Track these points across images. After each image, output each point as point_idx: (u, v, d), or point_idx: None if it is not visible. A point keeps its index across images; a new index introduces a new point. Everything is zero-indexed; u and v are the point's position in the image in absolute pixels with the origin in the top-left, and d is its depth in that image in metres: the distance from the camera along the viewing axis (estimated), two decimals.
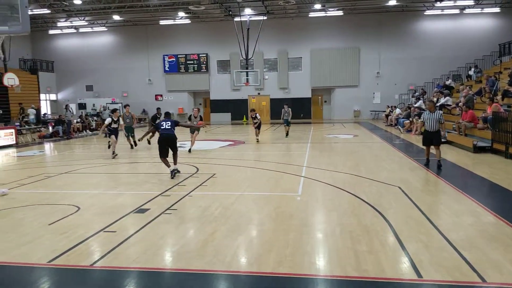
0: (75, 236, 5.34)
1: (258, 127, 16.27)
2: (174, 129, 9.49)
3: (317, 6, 26.71)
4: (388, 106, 26.47)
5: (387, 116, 25.04)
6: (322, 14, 28.70)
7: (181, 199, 7.28)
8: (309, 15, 29.12)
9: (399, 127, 20.18)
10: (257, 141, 16.21)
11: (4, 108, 24.99)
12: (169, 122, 9.50)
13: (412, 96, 26.66)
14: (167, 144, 9.34)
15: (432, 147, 10.00)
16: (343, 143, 16.00)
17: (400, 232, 5.27)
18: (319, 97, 32.41)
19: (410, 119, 19.17)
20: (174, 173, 9.20)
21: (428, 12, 28.62)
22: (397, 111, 23.27)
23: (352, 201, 6.91)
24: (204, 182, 8.75)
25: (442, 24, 29.20)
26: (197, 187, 8.26)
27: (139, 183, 8.93)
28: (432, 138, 9.82)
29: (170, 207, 6.70)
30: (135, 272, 4.28)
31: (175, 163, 9.42)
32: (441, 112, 9.97)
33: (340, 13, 28.63)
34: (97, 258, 4.65)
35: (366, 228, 5.47)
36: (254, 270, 4.26)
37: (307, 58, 30.95)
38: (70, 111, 21.84)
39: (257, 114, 16.18)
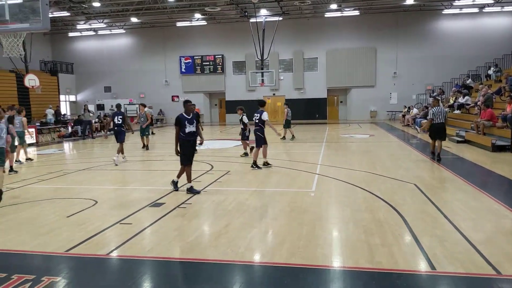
0: (92, 228, 5.47)
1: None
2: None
3: (333, 6, 26.62)
4: (405, 106, 26.16)
5: (404, 116, 24.75)
6: (338, 14, 28.59)
7: (196, 194, 7.35)
8: (325, 15, 29.04)
9: (416, 127, 19.92)
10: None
11: (27, 109, 25.61)
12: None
13: (430, 96, 26.26)
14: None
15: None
16: (359, 143, 15.89)
17: (414, 226, 5.22)
18: (335, 97, 32.24)
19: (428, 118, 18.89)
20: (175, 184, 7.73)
21: (446, 11, 28.20)
22: (414, 111, 22.98)
23: (367, 197, 6.88)
24: (219, 178, 8.82)
25: (461, 23, 28.73)
26: (212, 183, 8.34)
27: (155, 179, 9.06)
28: (439, 131, 10.34)
29: (184, 202, 6.79)
30: (149, 261, 4.37)
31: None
32: (446, 109, 10.25)
33: (356, 12, 28.46)
34: (113, 247, 4.75)
35: (379, 222, 5.44)
36: (267, 260, 4.29)
37: (323, 58, 30.84)
38: (89, 112, 22.20)
39: (244, 116, 12.11)
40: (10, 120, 10.43)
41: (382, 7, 28.03)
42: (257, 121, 10.06)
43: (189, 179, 7.49)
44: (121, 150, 11.58)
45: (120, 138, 11.52)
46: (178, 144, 7.36)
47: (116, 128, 11.61)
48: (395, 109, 29.75)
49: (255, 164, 9.87)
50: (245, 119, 11.88)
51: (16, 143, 11.17)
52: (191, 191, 7.39)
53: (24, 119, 11.96)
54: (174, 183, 7.68)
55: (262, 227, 5.47)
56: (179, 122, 7.32)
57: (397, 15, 29.19)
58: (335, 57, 30.49)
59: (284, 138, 16.53)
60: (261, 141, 10.02)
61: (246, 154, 12.11)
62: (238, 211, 6.15)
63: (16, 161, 11.25)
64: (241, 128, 12.09)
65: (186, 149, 7.37)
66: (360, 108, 30.75)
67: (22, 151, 12.17)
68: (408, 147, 13.94)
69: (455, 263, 4.04)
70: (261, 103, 10.55)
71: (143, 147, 14.80)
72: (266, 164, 10.07)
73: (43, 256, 4.56)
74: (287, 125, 16.90)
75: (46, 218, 6.05)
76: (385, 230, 5.11)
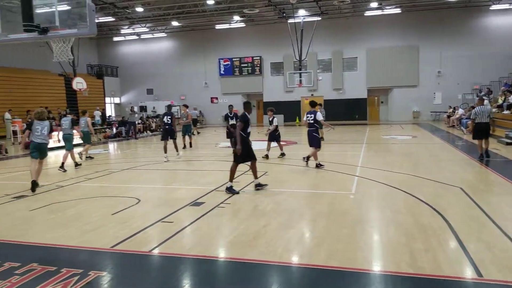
0: (135, 225, 5.66)
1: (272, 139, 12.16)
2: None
3: (374, 4, 26.07)
4: (450, 107, 25.14)
5: (449, 117, 23.79)
6: (378, 12, 27.95)
7: (235, 194, 7.43)
8: (365, 14, 28.46)
9: (462, 128, 19.10)
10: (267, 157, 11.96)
11: (74, 111, 26.91)
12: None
13: (477, 96, 25.09)
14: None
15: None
16: (401, 144, 15.45)
17: (460, 231, 5.01)
18: (376, 97, 31.52)
19: (471, 117, 18.07)
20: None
21: (494, 7, 26.79)
22: (460, 111, 22.01)
23: (409, 200, 6.68)
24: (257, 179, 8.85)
25: (510, 19, 27.24)
26: (250, 183, 8.39)
27: (195, 179, 9.25)
28: (483, 131, 10.12)
29: (223, 201, 6.89)
30: (190, 259, 4.46)
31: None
32: (491, 108, 9.87)
33: (398, 10, 27.69)
34: (155, 245, 4.90)
35: (422, 226, 5.27)
36: (305, 262, 4.27)
37: (363, 58, 30.25)
38: (135, 113, 22.88)
39: (275, 119, 12.03)
40: (74, 122, 11.84)
41: (425, 4, 27.12)
42: (312, 121, 10.21)
43: (231, 179, 7.58)
44: (175, 147, 12.77)
45: (172, 136, 12.56)
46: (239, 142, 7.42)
47: (166, 127, 12.58)
48: (439, 109, 28.66)
49: (317, 165, 10.00)
50: (276, 121, 11.88)
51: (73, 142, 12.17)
52: (231, 190, 7.47)
53: (89, 119, 13.06)
54: (256, 185, 7.67)
55: (300, 228, 5.44)
56: (246, 122, 7.52)
57: (441, 12, 28.12)
58: (376, 56, 29.81)
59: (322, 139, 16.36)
60: (318, 142, 10.26)
61: (283, 155, 12.09)
62: (276, 212, 6.16)
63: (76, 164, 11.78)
64: (268, 129, 12.08)
65: (245, 148, 7.51)
66: (402, 108, 29.88)
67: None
68: (454, 149, 13.39)
69: (504, 271, 3.84)
70: (313, 103, 10.62)
71: (184, 147, 15.19)
72: (316, 164, 10.22)
73: (90, 252, 4.77)
74: (319, 125, 16.57)
75: (93, 215, 6.33)
76: (429, 235, 4.94)
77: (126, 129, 22.41)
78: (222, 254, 4.65)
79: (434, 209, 6.04)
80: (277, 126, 11.98)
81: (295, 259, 4.40)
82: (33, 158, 8.45)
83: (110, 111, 34.53)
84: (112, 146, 18.48)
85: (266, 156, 11.77)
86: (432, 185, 7.79)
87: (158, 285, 3.88)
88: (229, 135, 12.68)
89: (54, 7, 6.06)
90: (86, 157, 13.17)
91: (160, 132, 14.03)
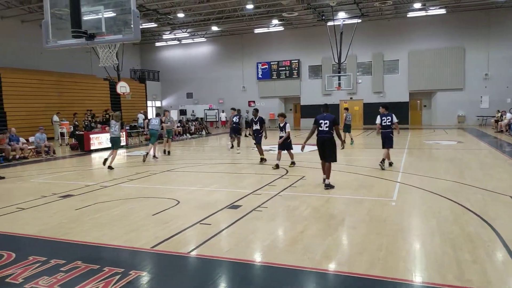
0: (174, 227, 5.75)
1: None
2: (332, 129, 8.23)
3: (417, 5, 25.27)
4: (498, 111, 23.87)
5: (497, 121, 22.61)
6: (422, 13, 27.07)
7: (271, 198, 7.41)
8: (407, 15, 27.66)
9: (511, 133, 18.09)
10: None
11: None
12: (327, 121, 8.29)
13: None
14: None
15: None
16: (445, 150, 14.84)
17: (510, 242, 4.72)
18: (418, 101, 30.51)
19: None
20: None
21: None
22: (508, 116, 20.87)
23: (454, 209, 6.38)
24: (294, 183, 8.79)
25: None
26: (287, 187, 8.34)
27: (232, 182, 9.31)
28: None
29: (260, 205, 6.87)
30: (227, 262, 4.47)
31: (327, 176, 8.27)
32: None
33: (443, 11, 26.70)
34: (194, 247, 4.95)
35: (469, 237, 5.01)
36: (345, 270, 4.16)
37: (405, 60, 29.39)
38: (171, 118, 23.29)
39: (287, 125, 11.06)
40: (161, 121, 14.76)
41: (472, 4, 25.97)
42: (389, 123, 10.66)
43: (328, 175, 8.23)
44: (238, 143, 15.38)
45: (238, 133, 15.54)
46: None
47: (234, 125, 15.59)
48: (486, 113, 27.31)
49: (390, 164, 10.67)
50: (288, 128, 10.93)
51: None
52: (329, 186, 8.12)
53: (163, 119, 15.22)
54: (327, 185, 8.18)
55: (339, 235, 5.33)
56: (317, 121, 8.40)
57: (489, 12, 26.85)
58: (418, 58, 28.88)
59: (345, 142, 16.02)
60: (392, 142, 10.71)
61: (293, 164, 11.07)
62: (314, 218, 6.06)
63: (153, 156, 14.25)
64: (280, 136, 10.96)
65: (328, 149, 8.28)
66: (446, 112, 28.73)
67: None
68: (502, 155, 12.70)
69: None
70: (386, 106, 11.19)
71: (231, 147, 16.42)
72: (390, 164, 10.78)
73: (131, 251, 4.89)
74: (346, 129, 16.45)
75: (135, 215, 6.50)
76: (476, 246, 4.68)
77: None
78: (258, 258, 4.62)
79: (482, 219, 5.73)
80: (289, 133, 10.99)
81: (334, 267, 4.30)
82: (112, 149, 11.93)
83: (151, 114, 35.53)
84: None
85: (276, 166, 10.75)
86: (479, 193, 7.40)
87: (196, 286, 3.91)
88: (235, 130, 15.58)
89: (100, 14, 6.31)
90: (168, 152, 15.31)
91: (199, 135, 15.26)
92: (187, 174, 10.82)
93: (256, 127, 12.56)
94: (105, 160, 11.85)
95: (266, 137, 12.55)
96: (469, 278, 3.85)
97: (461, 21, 27.62)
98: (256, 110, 13.14)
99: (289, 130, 11.03)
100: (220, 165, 12.50)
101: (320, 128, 8.30)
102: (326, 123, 8.21)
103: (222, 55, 34.74)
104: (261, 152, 12.29)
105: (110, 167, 11.70)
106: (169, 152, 15.34)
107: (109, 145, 13.14)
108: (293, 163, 11.13)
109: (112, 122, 12.08)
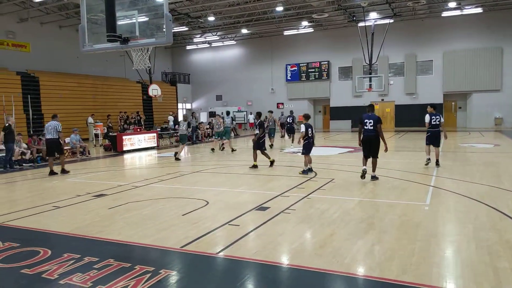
0: (203, 227, 5.81)
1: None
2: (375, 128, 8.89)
3: (452, 4, 24.53)
4: None
5: None
6: (457, 13, 26.23)
7: (300, 200, 7.36)
8: (442, 15, 26.86)
9: None
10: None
11: (148, 115, 28.58)
12: (372, 121, 8.90)
13: None
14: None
15: None
16: (481, 153, 14.29)
17: None
18: (452, 102, 29.58)
19: None
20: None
21: None
22: None
23: (492, 215, 6.12)
24: (323, 186, 8.69)
25: None
26: (316, 190, 8.25)
27: (260, 184, 9.32)
28: None
29: (289, 207, 6.83)
30: (255, 263, 4.47)
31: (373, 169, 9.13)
32: None
33: (479, 10, 25.77)
34: (222, 247, 4.98)
35: (508, 244, 4.79)
36: (376, 275, 4.07)
37: (439, 61, 28.56)
38: (195, 119, 23.52)
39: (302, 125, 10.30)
40: (189, 124, 15.78)
41: (510, 2, 24.93)
42: (438, 122, 11.11)
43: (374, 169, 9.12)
44: (292, 140, 17.86)
45: (292, 131, 18.92)
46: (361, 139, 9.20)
47: (288, 125, 19.38)
48: None
49: (436, 163, 11.04)
50: (303, 127, 10.03)
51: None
52: (375, 178, 9.08)
53: (220, 121, 17.17)
54: (373, 177, 9.10)
55: (369, 239, 5.22)
56: (362, 120, 9.05)
57: None
58: (453, 59, 28.01)
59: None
60: (440, 142, 11.28)
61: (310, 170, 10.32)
62: (343, 221, 5.97)
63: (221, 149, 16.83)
64: (306, 138, 10.08)
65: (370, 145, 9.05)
66: (482, 114, 27.69)
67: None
68: None
69: None
70: (434, 106, 11.68)
71: (270, 145, 17.55)
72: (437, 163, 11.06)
73: (162, 250, 4.97)
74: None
75: (165, 215, 6.61)
76: None
77: (191, 133, 22.97)
78: (287, 260, 4.59)
79: None
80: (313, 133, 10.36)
81: (363, 271, 4.22)
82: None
83: (180, 117, 36.14)
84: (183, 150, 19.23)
85: (309, 170, 10.16)
86: None
87: (224, 287, 3.92)
88: (290, 130, 19.23)
89: (134, 18, 6.49)
90: (232, 150, 16.56)
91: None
92: (216, 175, 10.92)
93: (256, 131, 11.94)
94: (176, 153, 14.40)
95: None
96: (508, 286, 3.68)
97: (499, 20, 26.58)
98: (258, 114, 12.47)
99: (304, 131, 10.01)
100: (248, 167, 12.51)
101: (365, 127, 8.99)
102: (371, 122, 8.89)
103: (251, 58, 34.90)
104: (267, 156, 11.67)
105: (177, 159, 14.11)
106: (233, 150, 16.56)
107: (140, 146, 17.87)
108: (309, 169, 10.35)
109: (181, 121, 15.00)
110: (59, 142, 11.49)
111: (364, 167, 8.93)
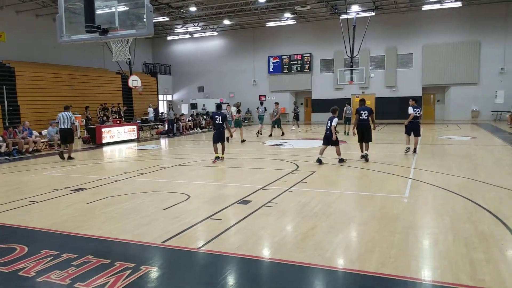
0: (185, 221, 5.77)
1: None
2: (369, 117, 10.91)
3: None
4: None
5: None
6: (437, 6, 26.57)
7: (282, 193, 7.38)
8: (422, 8, 27.16)
9: None
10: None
11: (128, 107, 28.11)
12: (366, 112, 10.89)
13: None
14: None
15: None
16: (458, 145, 14.62)
17: None
18: (431, 95, 30.09)
19: None
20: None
21: None
22: None
23: (468, 207, 6.28)
24: (304, 179, 8.75)
25: None
26: (297, 183, 8.30)
27: (243, 177, 9.30)
28: None
29: (271, 201, 6.85)
30: (237, 258, 4.47)
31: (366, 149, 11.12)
32: None
33: (459, 4, 26.16)
34: (204, 242, 4.96)
35: (483, 235, 4.92)
36: (356, 268, 4.13)
37: (419, 54, 28.96)
38: (171, 111, 22.87)
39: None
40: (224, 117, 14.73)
41: None
42: (419, 114, 12.47)
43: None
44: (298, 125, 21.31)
45: (297, 118, 22.33)
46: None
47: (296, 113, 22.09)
48: (501, 109, 26.82)
49: (414, 151, 12.20)
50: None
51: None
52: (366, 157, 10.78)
53: (232, 111, 17.90)
54: (363, 156, 10.95)
55: (350, 232, 5.29)
56: (358, 112, 10.92)
57: (508, 5, 26.25)
58: (433, 52, 28.43)
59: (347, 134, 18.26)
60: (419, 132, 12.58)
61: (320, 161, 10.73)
62: (325, 214, 6.02)
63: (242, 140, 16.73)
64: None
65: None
66: (460, 107, 28.29)
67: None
68: None
69: None
70: (416, 99, 13.04)
71: (269, 135, 19.01)
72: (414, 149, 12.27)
73: (142, 246, 4.92)
74: (346, 121, 19.09)
75: (145, 209, 6.54)
76: (490, 245, 4.61)
77: (172, 126, 22.57)
78: (269, 255, 4.61)
79: (496, 217, 5.64)
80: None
81: (344, 264, 4.27)
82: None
83: (162, 108, 35.66)
84: (163, 142, 19.06)
85: (320, 161, 10.61)
86: (494, 191, 7.28)
87: (206, 283, 3.92)
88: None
89: (114, 8, 6.30)
90: (242, 140, 16.80)
91: (210, 129, 16.33)
92: (198, 169, 10.85)
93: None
94: (227, 138, 13.50)
95: (231, 136, 13.84)
96: (482, 277, 3.79)
97: (477, 15, 27.07)
98: (218, 106, 11.97)
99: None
100: (231, 159, 12.49)
101: (360, 117, 10.84)
102: (365, 113, 10.83)
103: (233, 49, 34.64)
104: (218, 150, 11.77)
105: (243, 140, 16.32)
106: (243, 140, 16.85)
107: (120, 138, 17.83)
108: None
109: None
110: (72, 131, 12.83)
111: (362, 153, 10.99)
